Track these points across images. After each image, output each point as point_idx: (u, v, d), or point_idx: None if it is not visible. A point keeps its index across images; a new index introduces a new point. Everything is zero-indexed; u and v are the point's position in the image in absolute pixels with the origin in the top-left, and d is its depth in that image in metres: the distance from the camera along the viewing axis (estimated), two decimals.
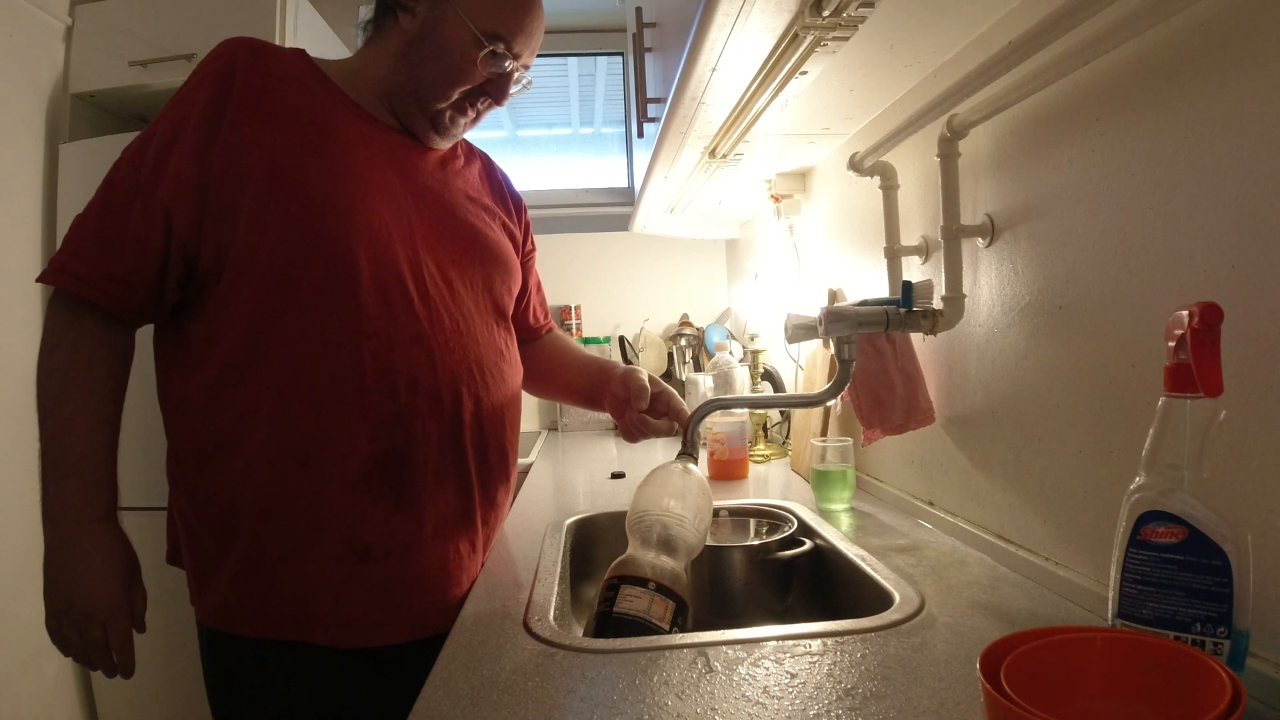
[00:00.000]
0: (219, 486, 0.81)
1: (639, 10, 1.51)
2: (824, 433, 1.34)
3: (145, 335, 0.87)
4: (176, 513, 0.87)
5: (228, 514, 0.81)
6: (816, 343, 1.40)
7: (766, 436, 1.71)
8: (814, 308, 0.96)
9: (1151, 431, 0.51)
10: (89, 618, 0.80)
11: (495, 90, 0.92)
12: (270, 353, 0.79)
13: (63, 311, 0.81)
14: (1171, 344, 0.50)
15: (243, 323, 0.80)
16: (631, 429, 1.00)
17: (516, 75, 0.93)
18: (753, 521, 1.09)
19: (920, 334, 0.92)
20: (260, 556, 0.81)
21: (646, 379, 1.01)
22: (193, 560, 0.85)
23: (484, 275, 0.96)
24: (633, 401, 0.98)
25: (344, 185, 0.83)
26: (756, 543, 0.99)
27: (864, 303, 0.97)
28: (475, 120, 0.95)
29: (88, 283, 0.80)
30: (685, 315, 2.39)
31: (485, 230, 0.98)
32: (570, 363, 1.16)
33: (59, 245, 0.82)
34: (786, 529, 1.02)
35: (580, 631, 0.84)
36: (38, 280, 0.82)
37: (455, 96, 0.90)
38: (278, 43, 1.77)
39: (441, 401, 0.86)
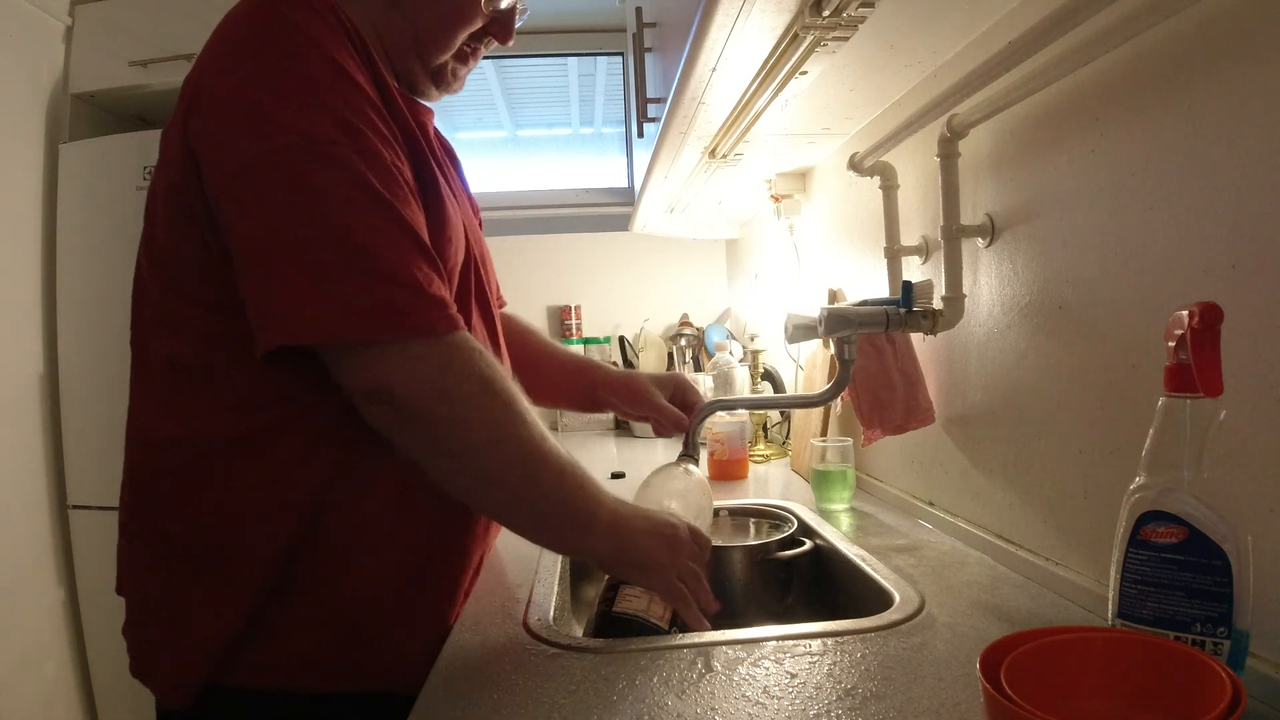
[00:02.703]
0: (350, 510, 0.69)
1: (639, 10, 1.51)
2: (824, 433, 1.34)
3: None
4: (212, 548, 0.67)
5: (339, 543, 0.68)
6: (816, 343, 1.39)
7: (766, 436, 1.71)
8: (814, 308, 0.97)
9: (1151, 431, 0.51)
10: (680, 542, 0.73)
11: (500, 28, 0.81)
12: None
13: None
14: (1171, 344, 0.50)
15: None
16: (670, 427, 0.98)
17: (520, 7, 0.83)
18: (753, 521, 1.09)
19: (920, 334, 0.92)
20: (365, 592, 0.69)
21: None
22: (233, 607, 0.66)
23: (486, 265, 0.89)
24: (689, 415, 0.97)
25: (439, 184, 0.74)
26: (756, 543, 0.99)
27: (864, 303, 0.97)
28: (474, 65, 0.85)
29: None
30: (685, 315, 2.39)
31: (472, 211, 0.92)
32: (549, 363, 1.05)
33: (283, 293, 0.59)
34: (786, 529, 1.02)
35: (580, 631, 0.84)
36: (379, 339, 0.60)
37: (459, 43, 0.79)
38: None
39: None
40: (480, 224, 0.99)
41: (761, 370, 1.73)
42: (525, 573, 0.89)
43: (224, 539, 0.66)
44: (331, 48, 0.63)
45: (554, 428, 2.39)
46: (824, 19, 0.77)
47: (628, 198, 2.53)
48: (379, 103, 0.66)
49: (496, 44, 0.84)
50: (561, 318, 2.43)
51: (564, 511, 0.69)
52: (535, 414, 0.67)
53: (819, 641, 0.67)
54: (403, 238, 0.62)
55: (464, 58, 0.82)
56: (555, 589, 0.84)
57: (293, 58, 0.62)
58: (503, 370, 0.66)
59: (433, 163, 0.72)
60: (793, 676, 0.60)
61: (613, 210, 2.52)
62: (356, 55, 0.65)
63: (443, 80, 0.81)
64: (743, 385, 1.69)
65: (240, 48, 0.63)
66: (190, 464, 0.67)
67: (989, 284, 0.88)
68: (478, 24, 0.79)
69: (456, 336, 0.63)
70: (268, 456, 0.66)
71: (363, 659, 0.69)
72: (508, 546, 1.01)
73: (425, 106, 0.83)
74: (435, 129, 0.91)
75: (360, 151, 0.61)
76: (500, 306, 1.06)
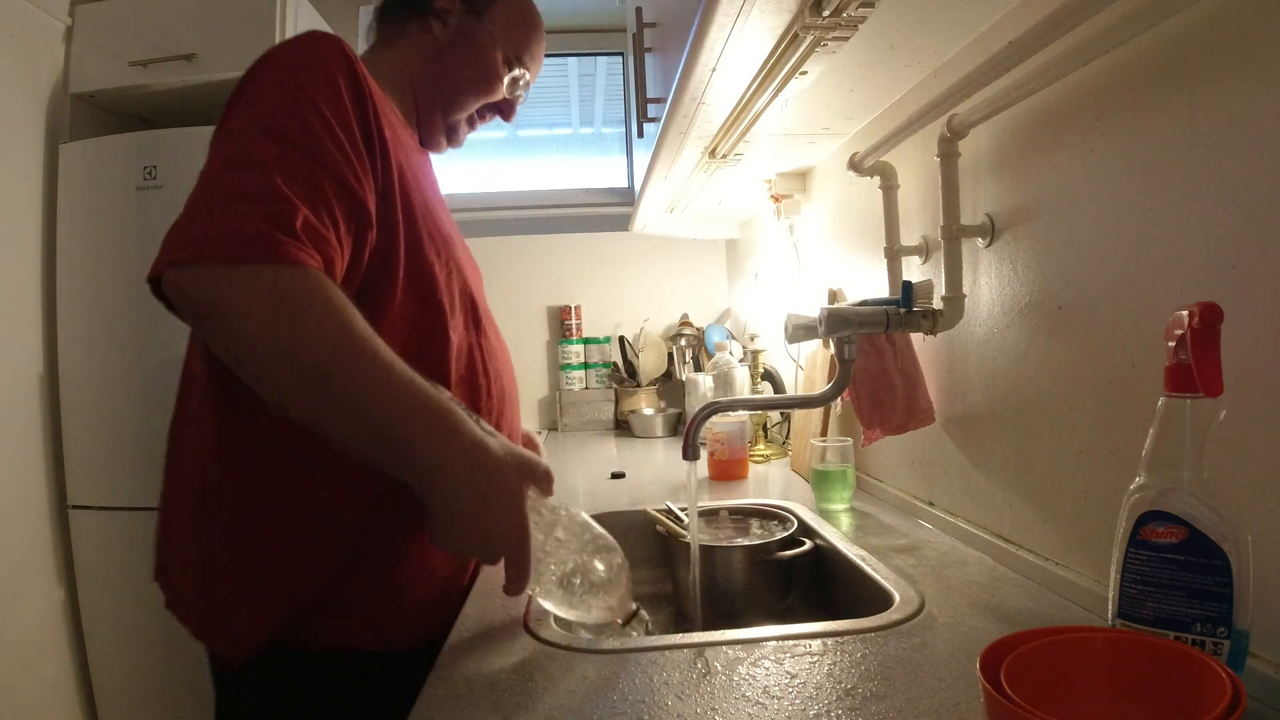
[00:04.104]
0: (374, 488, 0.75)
1: (639, 10, 1.51)
2: (824, 433, 1.34)
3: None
4: (282, 535, 0.74)
5: (372, 521, 0.76)
6: (816, 343, 1.40)
7: (766, 436, 1.71)
8: (814, 308, 0.97)
9: (1151, 431, 0.51)
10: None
11: (507, 107, 1.00)
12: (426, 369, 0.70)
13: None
14: (1171, 344, 0.50)
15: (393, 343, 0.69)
16: None
17: (523, 99, 1.02)
18: (753, 521, 1.09)
19: (920, 334, 0.92)
20: (402, 563, 0.78)
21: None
22: (300, 582, 0.74)
23: (480, 284, 0.96)
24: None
25: (439, 207, 0.87)
26: (756, 543, 0.99)
27: (864, 303, 0.97)
28: (474, 130, 1.02)
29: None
30: (685, 315, 2.39)
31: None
32: None
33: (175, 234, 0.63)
34: (786, 529, 1.02)
35: (581, 632, 0.84)
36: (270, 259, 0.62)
37: (473, 108, 0.97)
38: (278, 42, 1.77)
39: (508, 410, 0.92)
40: None
41: (761, 370, 1.73)
42: None
43: (300, 515, 0.74)
44: (319, 74, 0.71)
45: (553, 427, 2.40)
46: (824, 19, 0.77)
47: (628, 198, 2.53)
48: (354, 130, 0.72)
49: (499, 119, 1.01)
50: (561, 318, 2.43)
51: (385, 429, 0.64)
52: (376, 354, 0.64)
53: (819, 641, 0.67)
54: (266, 193, 0.63)
55: (472, 121, 1.00)
56: None
57: (286, 76, 0.71)
58: (335, 308, 0.63)
59: (422, 189, 0.83)
60: (793, 676, 0.60)
61: (613, 210, 2.52)
62: (349, 95, 0.72)
63: (453, 135, 0.98)
64: (743, 385, 1.69)
65: (251, 71, 0.73)
66: (264, 453, 0.74)
67: (989, 284, 0.88)
68: (495, 98, 0.97)
69: (279, 269, 0.62)
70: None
71: (408, 619, 0.78)
72: None
73: (421, 150, 0.95)
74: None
75: (275, 136, 0.66)
76: None
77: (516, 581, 0.67)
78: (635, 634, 0.73)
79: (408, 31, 0.93)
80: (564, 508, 0.73)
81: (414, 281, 0.79)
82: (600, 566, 0.71)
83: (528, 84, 1.00)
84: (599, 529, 0.74)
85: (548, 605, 0.72)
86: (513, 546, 0.66)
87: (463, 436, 0.65)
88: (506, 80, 0.96)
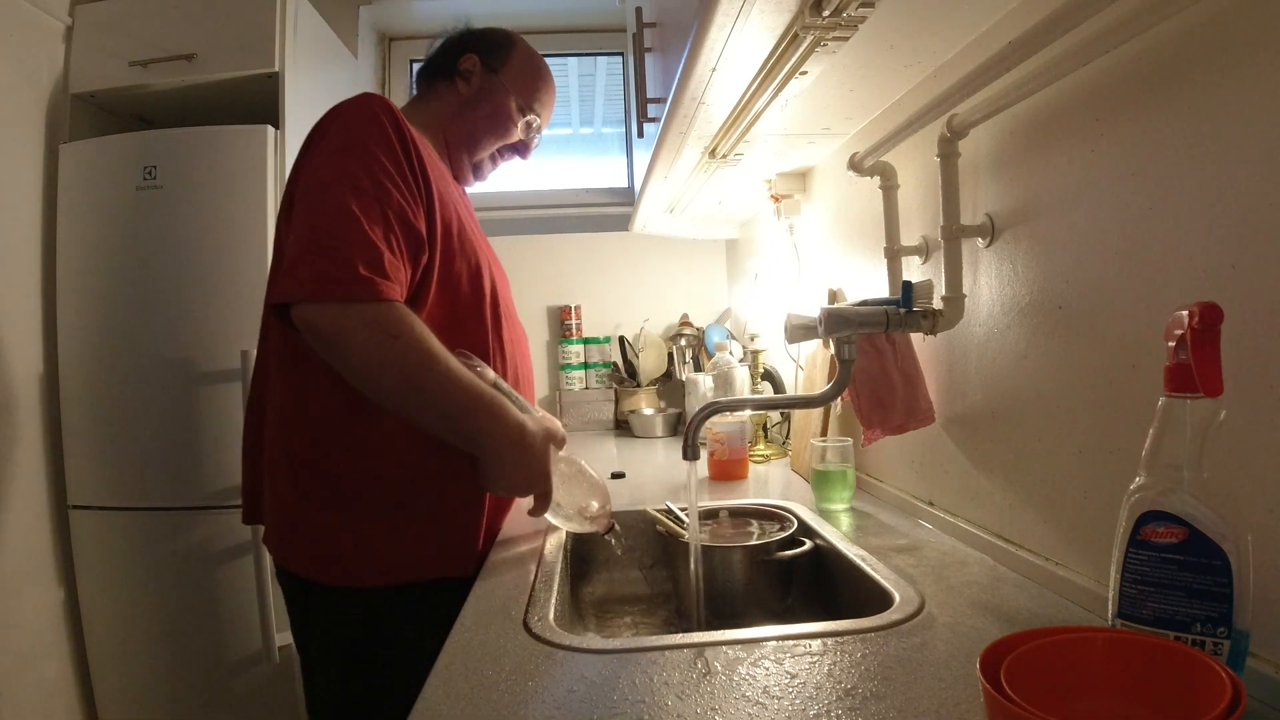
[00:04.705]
0: (439, 463, 0.95)
1: (639, 10, 1.51)
2: (824, 433, 1.34)
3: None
4: (367, 499, 0.94)
5: (419, 481, 0.95)
6: (816, 343, 1.39)
7: (766, 436, 1.71)
8: (814, 308, 0.97)
9: (1151, 431, 0.51)
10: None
11: (523, 147, 1.22)
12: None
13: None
14: (1171, 344, 0.50)
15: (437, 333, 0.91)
16: None
17: (537, 141, 1.23)
18: (753, 521, 1.09)
19: (920, 334, 0.92)
20: (453, 508, 0.97)
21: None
22: (378, 532, 0.94)
23: (504, 282, 1.12)
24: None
25: (469, 220, 1.06)
26: (756, 543, 0.99)
27: (864, 303, 0.97)
28: (497, 167, 1.23)
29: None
30: (685, 315, 2.39)
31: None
32: None
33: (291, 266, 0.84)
34: (786, 529, 1.02)
35: (581, 630, 0.84)
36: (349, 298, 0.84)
37: (493, 149, 1.17)
38: (278, 43, 1.77)
39: (521, 389, 1.09)
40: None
41: (761, 370, 1.73)
42: (525, 573, 0.90)
43: (363, 468, 0.93)
44: (375, 132, 0.91)
45: None
46: (824, 19, 0.77)
47: (628, 198, 2.53)
48: (405, 172, 0.91)
49: (517, 158, 1.23)
50: (561, 318, 2.43)
51: (454, 424, 0.89)
52: (449, 367, 0.87)
53: (819, 641, 0.67)
54: (361, 242, 0.84)
55: (494, 160, 1.20)
56: (555, 589, 0.84)
57: (351, 134, 0.91)
58: (418, 334, 0.86)
59: (456, 211, 1.01)
60: (793, 676, 0.60)
61: (613, 210, 2.51)
62: (398, 145, 0.92)
63: (480, 171, 1.20)
64: (743, 385, 1.69)
65: (323, 125, 0.94)
66: (340, 416, 0.93)
67: (989, 284, 0.88)
68: (511, 139, 1.18)
69: (380, 305, 0.84)
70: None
71: (453, 551, 0.96)
72: (509, 546, 1.01)
73: (458, 185, 1.16)
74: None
75: (356, 190, 0.86)
76: None
77: (540, 508, 0.95)
78: (613, 541, 1.03)
79: (438, 90, 1.15)
80: (572, 457, 1.02)
81: (444, 288, 0.97)
82: (592, 497, 1.01)
83: (539, 127, 1.20)
84: (592, 472, 1.03)
85: (555, 520, 1.00)
86: (538, 487, 0.94)
87: (508, 421, 0.91)
88: (520, 124, 1.17)
